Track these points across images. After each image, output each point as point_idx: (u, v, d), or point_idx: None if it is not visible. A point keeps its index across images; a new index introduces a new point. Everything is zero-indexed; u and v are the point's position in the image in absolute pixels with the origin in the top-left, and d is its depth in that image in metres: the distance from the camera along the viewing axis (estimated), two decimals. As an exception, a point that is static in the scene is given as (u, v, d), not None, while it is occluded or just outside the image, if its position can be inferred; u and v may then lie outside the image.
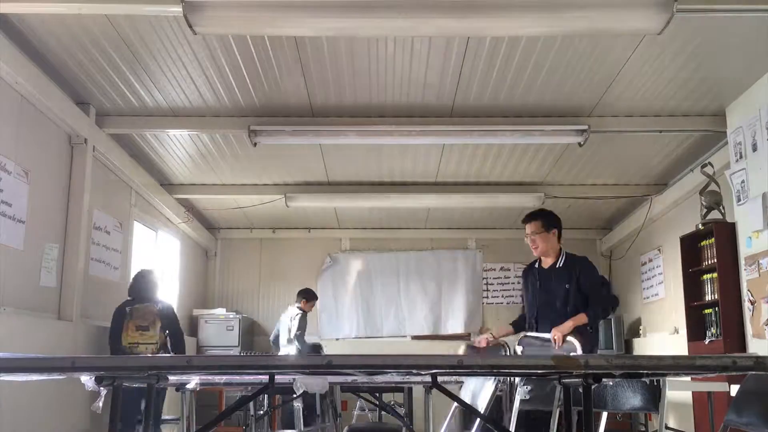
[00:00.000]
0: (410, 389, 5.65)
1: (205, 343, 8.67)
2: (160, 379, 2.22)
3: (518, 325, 4.60)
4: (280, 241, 9.64)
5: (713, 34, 4.45)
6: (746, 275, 5.29)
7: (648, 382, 2.69)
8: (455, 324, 9.51)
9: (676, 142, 6.31)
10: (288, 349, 7.62)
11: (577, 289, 4.33)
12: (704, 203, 5.99)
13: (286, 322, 7.81)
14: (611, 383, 2.68)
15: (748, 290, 5.27)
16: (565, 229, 10.33)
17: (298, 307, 7.79)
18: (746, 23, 4.28)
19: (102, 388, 2.13)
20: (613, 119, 5.79)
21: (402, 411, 6.05)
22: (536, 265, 4.61)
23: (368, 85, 5.22)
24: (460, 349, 6.08)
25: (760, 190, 5.06)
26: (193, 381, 3.35)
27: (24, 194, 4.71)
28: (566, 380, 2.21)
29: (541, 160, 6.83)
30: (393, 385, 5.23)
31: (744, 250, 5.34)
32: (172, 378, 2.62)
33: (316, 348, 8.15)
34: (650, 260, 8.05)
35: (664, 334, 7.54)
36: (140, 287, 5.70)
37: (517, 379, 3.52)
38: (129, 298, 5.71)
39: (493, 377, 2.75)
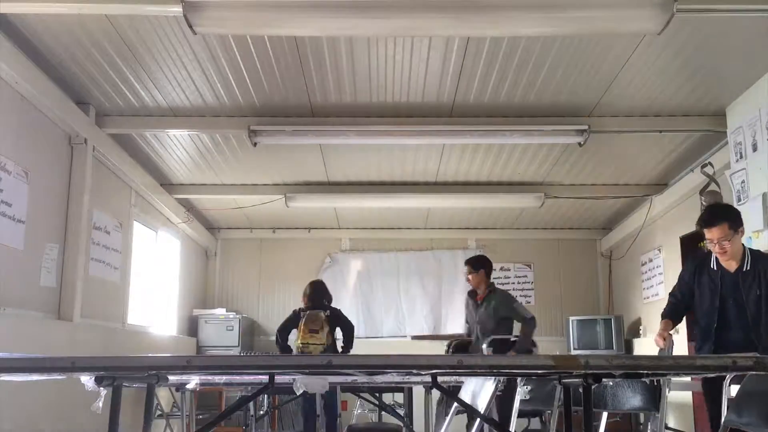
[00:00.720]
0: (410, 389, 5.66)
1: (205, 343, 8.67)
2: (159, 379, 2.22)
3: (677, 314, 4.49)
4: (280, 241, 9.64)
5: (713, 34, 4.45)
6: (746, 275, 5.29)
7: (648, 383, 2.69)
8: (455, 324, 9.50)
9: (676, 142, 6.32)
10: None
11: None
12: (704, 203, 5.99)
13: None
14: (611, 383, 2.68)
15: (748, 290, 5.27)
16: (564, 229, 10.39)
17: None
18: (746, 23, 4.28)
19: (102, 388, 2.13)
20: (613, 119, 5.79)
21: (402, 411, 6.06)
22: (712, 265, 4.09)
23: (368, 85, 5.22)
24: None
25: (760, 190, 5.06)
26: (193, 381, 3.35)
27: (24, 194, 4.71)
28: (566, 380, 2.22)
29: (541, 160, 6.84)
30: (393, 385, 5.23)
31: (744, 250, 5.33)
32: (172, 378, 2.62)
33: None
34: (650, 260, 8.05)
35: (664, 334, 7.53)
36: (314, 296, 6.32)
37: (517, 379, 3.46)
38: (307, 305, 6.30)
39: (493, 377, 2.75)
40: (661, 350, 4.28)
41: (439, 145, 6.39)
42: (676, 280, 4.43)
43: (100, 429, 2.17)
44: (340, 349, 6.26)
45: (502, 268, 9.62)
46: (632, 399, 2.78)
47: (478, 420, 2.97)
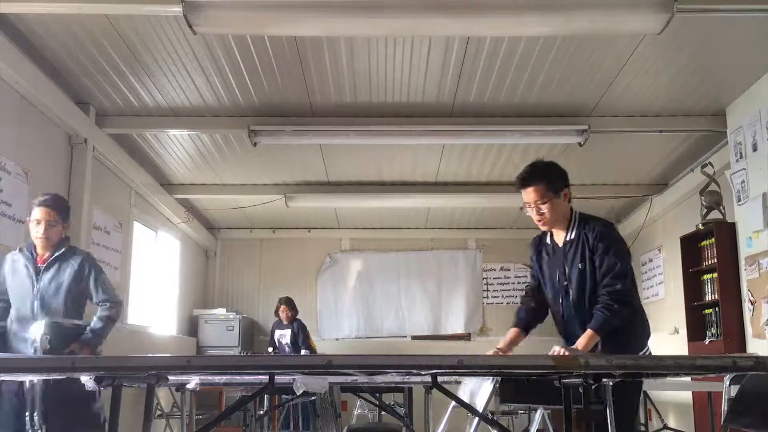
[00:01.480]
0: (410, 389, 5.65)
1: (205, 343, 8.67)
2: (159, 379, 2.22)
3: (526, 323, 3.37)
4: (280, 241, 9.64)
5: (713, 34, 4.45)
6: (746, 275, 5.30)
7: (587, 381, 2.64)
8: (455, 324, 9.51)
9: (676, 142, 6.31)
10: None
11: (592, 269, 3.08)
12: (704, 203, 5.99)
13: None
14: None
15: (749, 290, 5.27)
16: (565, 229, 10.24)
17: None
18: (746, 23, 4.28)
19: (102, 388, 2.13)
20: (613, 119, 5.79)
21: (402, 411, 6.05)
22: (547, 239, 3.37)
23: (368, 85, 5.22)
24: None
25: (760, 190, 5.06)
26: (193, 381, 3.35)
27: (24, 194, 4.71)
28: (566, 380, 2.22)
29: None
30: (393, 385, 5.23)
31: (744, 250, 5.34)
32: (172, 378, 2.62)
33: None
34: (650, 260, 8.05)
35: (664, 334, 7.53)
36: None
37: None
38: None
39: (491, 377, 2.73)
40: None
41: (439, 145, 6.39)
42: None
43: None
44: None
45: (502, 268, 9.62)
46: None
47: (476, 419, 2.96)
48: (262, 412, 5.87)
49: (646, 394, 7.56)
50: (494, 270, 9.64)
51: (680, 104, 5.54)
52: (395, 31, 4.29)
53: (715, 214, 5.92)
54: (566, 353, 2.77)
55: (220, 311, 8.91)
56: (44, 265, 3.82)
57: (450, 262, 9.64)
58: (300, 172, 7.35)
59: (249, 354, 8.46)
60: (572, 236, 3.17)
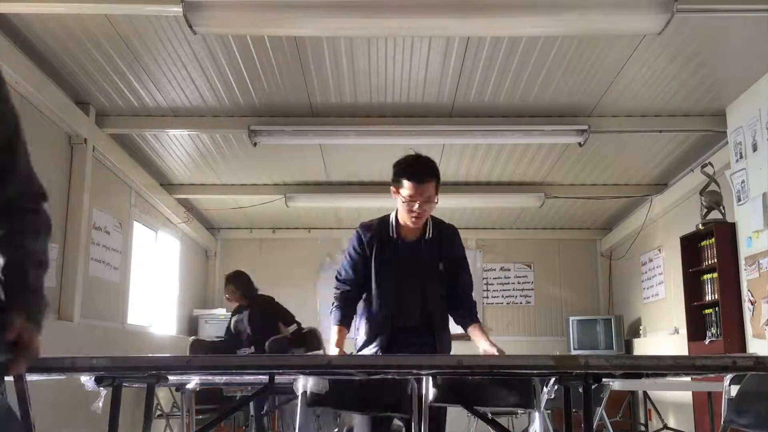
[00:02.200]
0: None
1: (205, 343, 8.66)
2: (159, 379, 2.22)
3: (349, 320, 3.15)
4: (280, 241, 9.64)
5: (713, 34, 4.45)
6: (746, 275, 5.30)
7: (519, 381, 2.64)
8: (455, 324, 9.50)
9: (676, 142, 6.31)
10: None
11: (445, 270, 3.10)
12: (704, 203, 5.99)
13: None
14: (486, 380, 2.61)
15: (749, 290, 5.27)
16: (565, 229, 10.37)
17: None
18: (746, 23, 4.28)
19: (102, 388, 2.13)
20: (613, 119, 5.79)
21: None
22: (392, 233, 3.14)
23: (368, 85, 5.22)
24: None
25: (760, 190, 5.06)
26: (193, 381, 3.35)
27: (24, 194, 4.70)
28: (566, 380, 2.21)
29: (541, 160, 6.83)
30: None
31: (744, 250, 5.34)
32: (172, 378, 2.62)
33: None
34: (650, 260, 8.05)
35: (664, 334, 7.54)
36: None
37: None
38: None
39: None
40: None
41: (439, 145, 6.39)
42: (342, 261, 3.32)
43: (100, 429, 2.17)
44: None
45: (502, 268, 9.61)
46: (509, 396, 2.70)
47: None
48: (262, 412, 5.87)
49: (646, 394, 7.58)
50: (494, 270, 9.64)
51: (680, 104, 5.54)
52: (395, 31, 4.29)
53: (715, 214, 5.92)
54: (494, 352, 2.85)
55: (220, 311, 8.90)
56: None
57: (450, 262, 9.62)
58: (300, 172, 7.34)
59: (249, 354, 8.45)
60: (431, 235, 3.11)
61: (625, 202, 8.12)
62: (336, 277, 3.23)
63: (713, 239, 5.80)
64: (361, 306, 3.16)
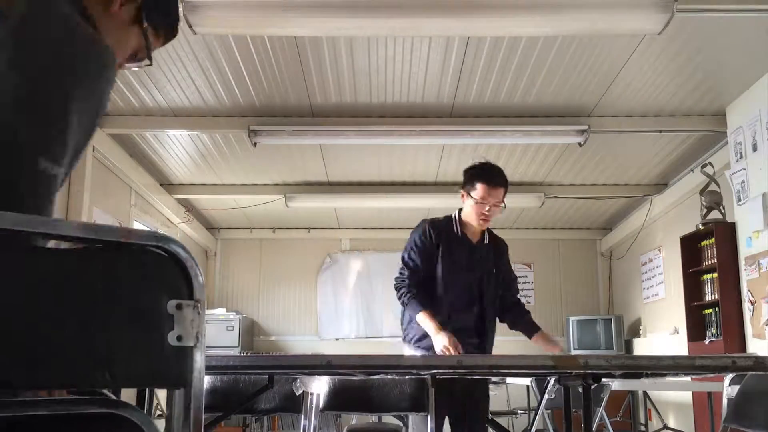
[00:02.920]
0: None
1: (206, 343, 8.65)
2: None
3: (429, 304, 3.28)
4: (280, 241, 9.64)
5: (713, 34, 4.45)
6: (746, 275, 5.30)
7: (417, 383, 2.65)
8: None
9: (676, 142, 6.32)
10: None
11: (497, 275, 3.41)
12: (704, 203, 6.00)
13: None
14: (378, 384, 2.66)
15: (749, 290, 5.27)
16: (564, 229, 10.37)
17: None
18: (746, 23, 4.28)
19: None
20: (613, 119, 5.79)
21: (402, 411, 6.05)
22: (457, 231, 3.41)
23: (368, 85, 5.22)
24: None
25: (760, 190, 5.06)
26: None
27: (24, 194, 4.70)
28: (566, 380, 2.21)
29: (541, 160, 6.84)
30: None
31: (744, 250, 5.34)
32: (171, 378, 2.62)
33: None
34: (650, 260, 8.05)
35: (664, 334, 7.54)
36: None
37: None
38: None
39: None
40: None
41: (439, 145, 6.39)
42: (410, 251, 3.40)
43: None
44: None
45: (502, 268, 9.61)
46: (401, 401, 2.71)
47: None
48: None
49: (646, 394, 7.58)
50: (494, 270, 9.64)
51: (680, 104, 5.54)
52: (395, 31, 4.29)
53: (715, 214, 5.93)
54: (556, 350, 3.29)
55: (220, 311, 8.91)
56: None
57: (450, 262, 9.63)
58: (300, 172, 7.35)
59: (249, 354, 8.45)
60: (487, 240, 3.44)
61: (625, 202, 8.12)
62: (405, 265, 3.34)
63: (713, 239, 5.81)
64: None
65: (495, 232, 3.61)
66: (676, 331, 7.09)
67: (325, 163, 6.98)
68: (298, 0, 3.92)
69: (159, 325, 1.00)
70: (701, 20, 4.24)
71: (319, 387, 2.72)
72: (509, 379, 4.52)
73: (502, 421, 6.85)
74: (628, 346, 8.64)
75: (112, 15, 1.33)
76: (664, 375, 2.43)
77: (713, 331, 5.86)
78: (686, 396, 6.56)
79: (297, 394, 2.58)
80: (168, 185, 7.55)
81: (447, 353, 2.93)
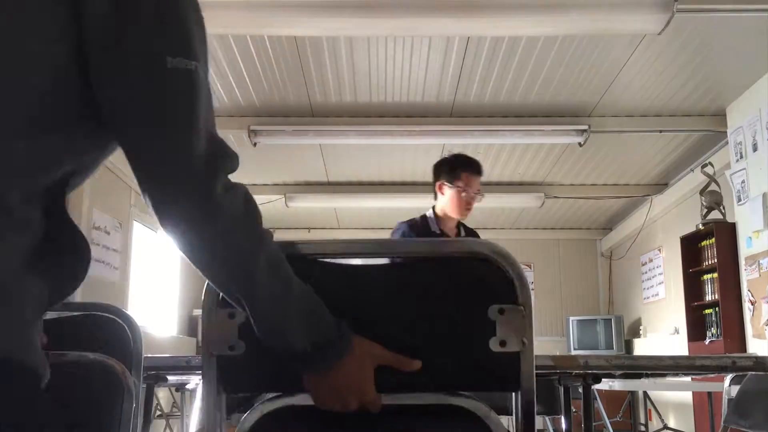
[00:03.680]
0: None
1: (205, 343, 8.66)
2: (159, 380, 2.22)
3: None
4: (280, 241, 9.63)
5: (713, 33, 4.45)
6: (746, 275, 5.30)
7: None
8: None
9: (676, 142, 6.31)
10: None
11: None
12: (704, 203, 5.99)
13: None
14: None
15: (749, 290, 5.27)
16: (564, 229, 10.36)
17: None
18: (746, 23, 4.28)
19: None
20: (613, 119, 5.79)
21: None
22: (435, 228, 3.39)
23: (368, 85, 5.22)
24: None
25: (760, 190, 5.06)
26: (193, 381, 3.34)
27: (24, 194, 4.70)
28: (566, 380, 2.21)
29: (541, 160, 6.83)
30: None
31: (744, 250, 5.34)
32: (171, 378, 2.62)
33: None
34: (650, 260, 8.05)
35: (664, 334, 7.54)
36: None
37: None
38: None
39: None
40: None
41: (439, 145, 6.38)
42: None
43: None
44: None
45: (502, 268, 9.60)
46: None
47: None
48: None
49: (646, 395, 7.57)
50: (494, 270, 9.64)
51: (680, 104, 5.54)
52: (395, 31, 4.28)
53: (715, 214, 5.92)
54: None
55: (220, 311, 8.90)
56: None
57: (450, 262, 9.63)
58: (300, 172, 7.34)
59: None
60: (463, 233, 3.44)
61: (625, 202, 8.12)
62: None
63: (713, 239, 5.80)
64: None
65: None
66: (676, 331, 7.08)
67: (325, 163, 6.98)
68: (298, 0, 3.92)
69: (481, 331, 1.04)
70: (701, 20, 4.24)
71: None
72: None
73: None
74: (628, 347, 8.63)
75: None
76: (665, 375, 2.42)
77: (713, 331, 5.86)
78: (686, 396, 6.56)
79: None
80: (168, 185, 7.54)
81: None
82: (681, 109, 5.64)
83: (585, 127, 5.74)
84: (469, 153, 6.58)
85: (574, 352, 8.42)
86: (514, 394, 1.05)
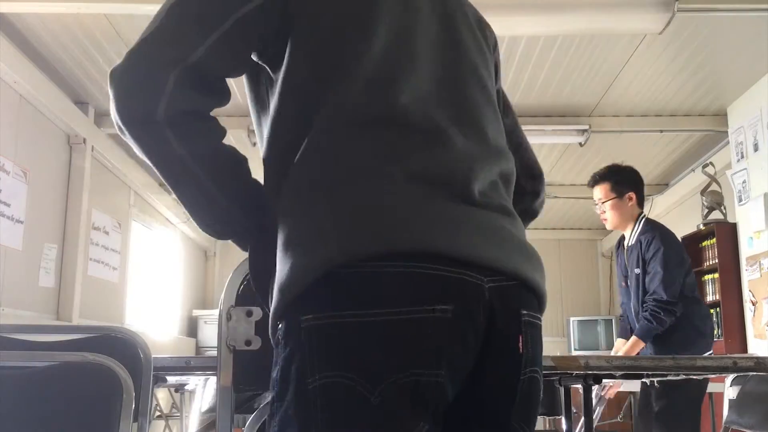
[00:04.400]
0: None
1: (205, 344, 8.65)
2: (158, 380, 2.21)
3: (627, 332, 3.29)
4: (280, 241, 9.63)
5: (714, 33, 4.44)
6: (747, 276, 5.29)
7: None
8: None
9: (677, 142, 6.31)
10: None
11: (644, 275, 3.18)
12: (705, 203, 5.98)
13: None
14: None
15: (750, 291, 5.26)
16: (564, 229, 10.37)
17: None
18: (747, 23, 4.27)
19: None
20: (613, 119, 5.78)
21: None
22: (625, 241, 3.43)
23: (368, 84, 5.21)
24: None
25: (761, 190, 5.05)
26: (193, 381, 3.34)
27: (22, 194, 4.70)
28: (566, 381, 2.21)
29: (542, 160, 6.71)
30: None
31: (745, 250, 5.33)
32: (171, 379, 2.62)
33: None
34: (651, 260, 8.03)
35: (664, 335, 7.52)
36: None
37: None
38: None
39: None
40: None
41: (439, 145, 6.38)
42: None
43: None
44: None
45: (502, 269, 9.60)
46: None
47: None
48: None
49: (646, 395, 7.56)
50: (494, 270, 9.63)
51: (681, 104, 5.53)
52: (395, 31, 4.27)
53: (716, 215, 5.91)
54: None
55: (220, 311, 8.89)
56: None
57: (450, 262, 9.61)
58: (300, 173, 7.32)
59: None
60: (632, 241, 3.32)
61: (626, 203, 8.11)
62: None
63: (714, 239, 5.79)
64: None
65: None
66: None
67: (325, 163, 6.97)
68: None
69: None
70: (702, 20, 4.23)
71: None
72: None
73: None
74: (629, 347, 8.62)
75: None
76: (665, 375, 2.41)
77: (714, 331, 5.85)
78: (687, 396, 6.54)
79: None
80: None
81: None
82: (682, 109, 5.64)
83: (585, 127, 5.73)
84: (470, 153, 6.63)
85: (574, 353, 8.41)
86: None
